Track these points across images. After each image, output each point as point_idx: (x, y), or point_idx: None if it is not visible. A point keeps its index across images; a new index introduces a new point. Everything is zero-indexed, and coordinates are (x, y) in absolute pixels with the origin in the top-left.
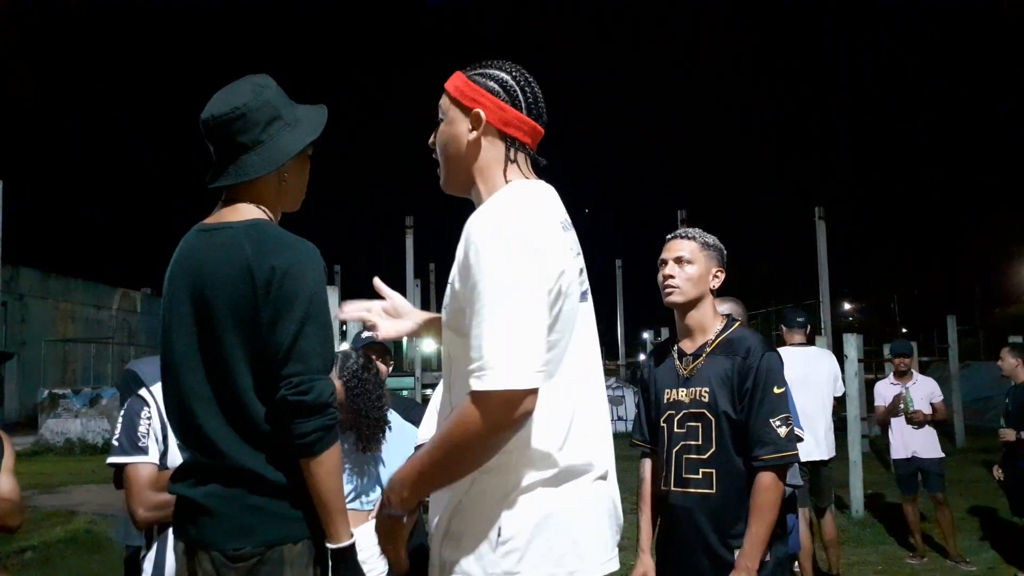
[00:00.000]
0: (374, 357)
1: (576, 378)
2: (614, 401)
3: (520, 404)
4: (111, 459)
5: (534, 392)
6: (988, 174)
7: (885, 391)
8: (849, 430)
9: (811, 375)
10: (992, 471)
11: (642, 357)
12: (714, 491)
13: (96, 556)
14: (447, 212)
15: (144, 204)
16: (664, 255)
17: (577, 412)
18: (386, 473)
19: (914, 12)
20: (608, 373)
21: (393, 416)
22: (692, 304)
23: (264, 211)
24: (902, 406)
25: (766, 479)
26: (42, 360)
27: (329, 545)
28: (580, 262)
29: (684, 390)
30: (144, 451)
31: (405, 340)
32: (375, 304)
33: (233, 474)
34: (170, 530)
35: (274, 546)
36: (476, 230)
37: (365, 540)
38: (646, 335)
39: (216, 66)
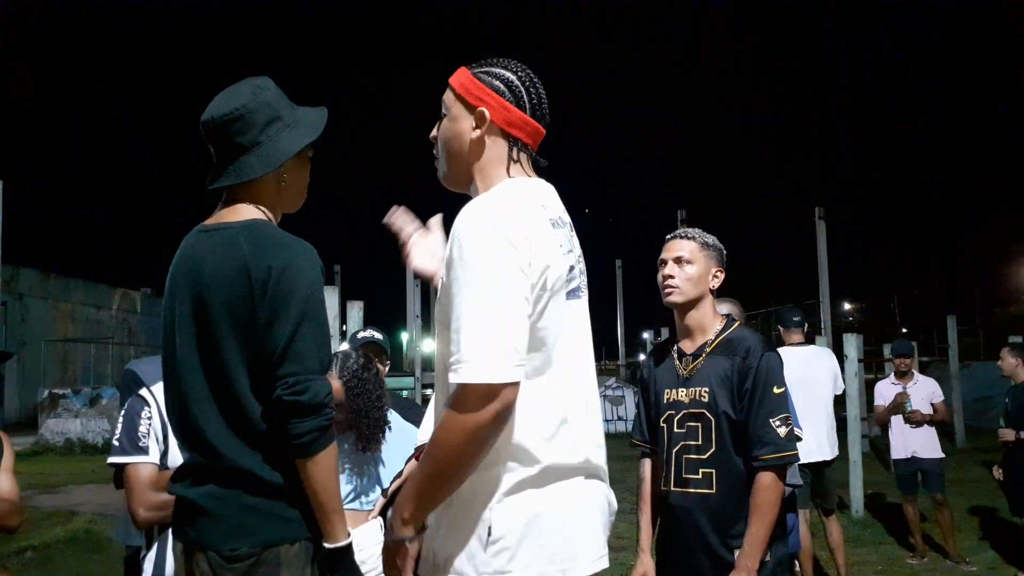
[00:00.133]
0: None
1: (566, 376)
2: (614, 401)
3: (497, 397)
4: (112, 459)
5: (513, 386)
6: (988, 174)
7: (886, 391)
8: (849, 430)
9: (811, 375)
10: (992, 471)
11: (642, 357)
12: (714, 491)
13: (96, 556)
14: (447, 212)
15: (144, 204)
16: (664, 255)
17: (568, 410)
18: (386, 473)
19: (914, 12)
20: (608, 373)
21: (393, 416)
22: (692, 304)
23: (263, 212)
24: (908, 404)
25: (766, 479)
26: (42, 360)
27: (326, 545)
28: (573, 259)
29: (684, 390)
30: (144, 451)
31: (405, 340)
32: (413, 228)
33: (230, 475)
34: (170, 530)
35: (270, 547)
36: (462, 223)
37: (365, 540)
38: (646, 335)
39: (216, 66)
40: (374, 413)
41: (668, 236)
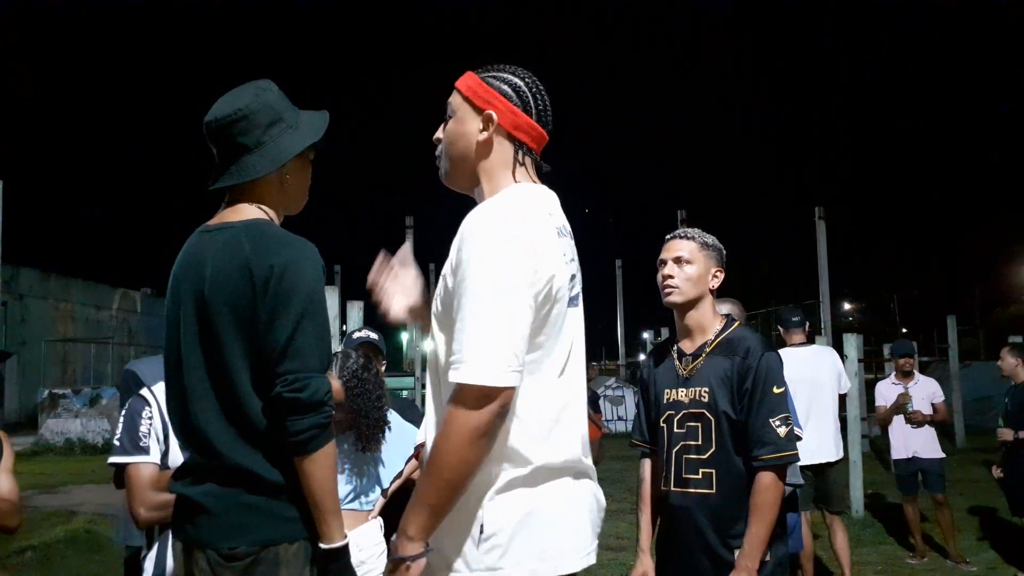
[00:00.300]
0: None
1: (560, 379)
2: (614, 401)
3: (494, 400)
4: (112, 459)
5: (509, 390)
6: (988, 174)
7: (887, 391)
8: (849, 430)
9: (816, 376)
10: (991, 471)
11: (642, 357)
12: (714, 491)
13: (96, 556)
14: (447, 212)
15: (144, 204)
16: (663, 255)
17: (560, 412)
18: (386, 473)
19: (914, 12)
20: (608, 373)
21: (393, 416)
22: (691, 304)
23: (265, 212)
24: (909, 404)
25: (766, 479)
26: (42, 360)
27: (322, 545)
28: (573, 268)
29: (684, 390)
30: (145, 451)
31: (405, 340)
32: (382, 280)
33: (231, 473)
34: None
35: (270, 546)
36: (472, 227)
37: (365, 540)
38: (646, 335)
39: (216, 66)
40: (374, 413)
41: (668, 236)
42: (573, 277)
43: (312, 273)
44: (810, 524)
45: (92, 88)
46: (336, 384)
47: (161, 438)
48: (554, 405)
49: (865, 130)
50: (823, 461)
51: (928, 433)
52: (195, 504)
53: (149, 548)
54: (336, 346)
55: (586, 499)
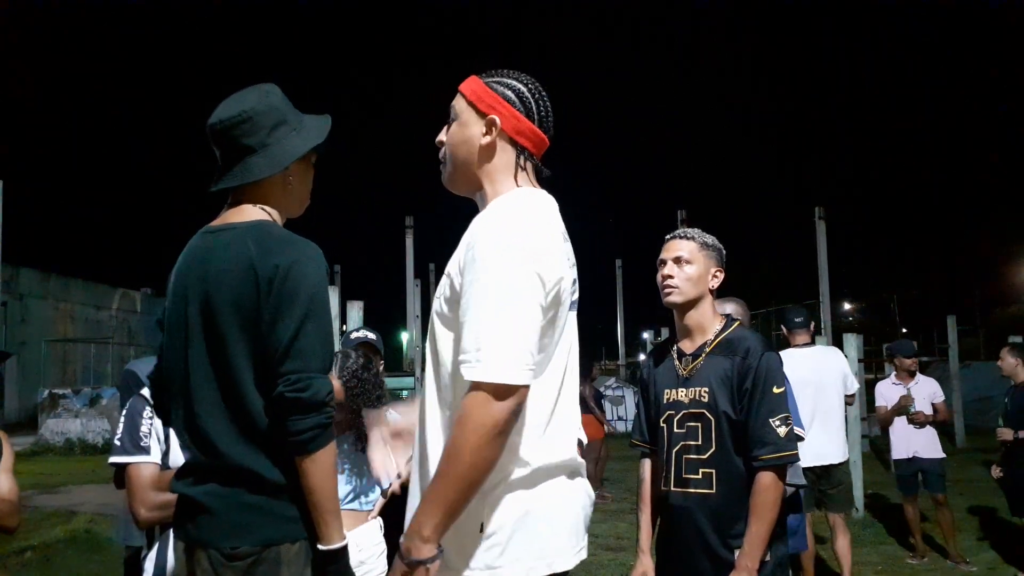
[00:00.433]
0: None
1: (558, 381)
2: (614, 401)
3: (512, 397)
4: (113, 459)
5: (525, 388)
6: (988, 174)
7: (887, 392)
8: (849, 430)
9: (822, 377)
10: (991, 471)
11: (642, 357)
12: (714, 491)
13: (96, 556)
14: (447, 212)
15: (144, 204)
16: (663, 255)
17: (557, 413)
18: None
19: (914, 12)
20: (608, 373)
21: (393, 416)
22: (691, 304)
23: (269, 213)
24: (912, 405)
25: (766, 479)
26: (42, 360)
27: (320, 546)
28: (573, 273)
29: (684, 390)
30: (146, 451)
31: (405, 340)
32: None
33: (233, 473)
34: (171, 530)
35: (271, 545)
36: (485, 230)
37: (365, 540)
38: (646, 335)
39: (217, 67)
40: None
41: (668, 236)
42: (574, 282)
43: (316, 274)
44: (812, 525)
45: (92, 88)
46: (336, 384)
47: (162, 438)
48: (552, 405)
49: (865, 130)
50: (828, 463)
51: (929, 433)
52: (197, 504)
53: (149, 548)
54: (337, 346)
55: (580, 498)
